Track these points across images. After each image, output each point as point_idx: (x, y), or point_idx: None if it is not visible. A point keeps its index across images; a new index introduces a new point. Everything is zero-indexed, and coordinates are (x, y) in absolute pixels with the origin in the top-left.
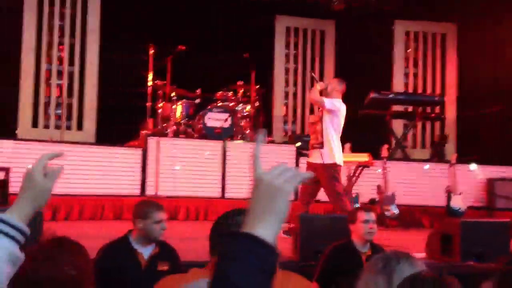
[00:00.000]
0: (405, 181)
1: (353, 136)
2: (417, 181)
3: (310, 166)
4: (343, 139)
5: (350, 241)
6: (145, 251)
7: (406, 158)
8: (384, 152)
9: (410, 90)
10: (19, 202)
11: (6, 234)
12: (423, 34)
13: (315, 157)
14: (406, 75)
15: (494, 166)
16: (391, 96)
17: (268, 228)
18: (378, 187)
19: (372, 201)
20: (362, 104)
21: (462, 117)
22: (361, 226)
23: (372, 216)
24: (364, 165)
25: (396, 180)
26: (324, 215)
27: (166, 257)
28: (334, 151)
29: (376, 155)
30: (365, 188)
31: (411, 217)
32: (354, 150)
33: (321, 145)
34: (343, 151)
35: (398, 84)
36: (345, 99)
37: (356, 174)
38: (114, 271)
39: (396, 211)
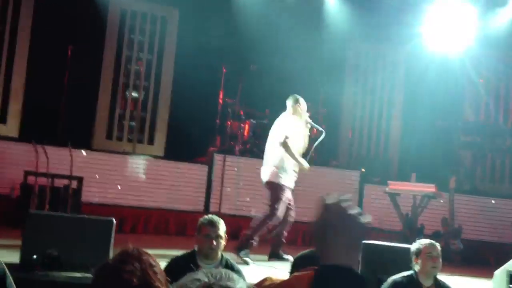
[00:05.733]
0: (472, 215)
1: (419, 166)
2: (484, 216)
3: None
4: (410, 169)
5: (414, 274)
6: (207, 268)
7: (474, 191)
8: (452, 184)
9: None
10: None
11: None
12: None
13: None
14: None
15: None
16: (460, 124)
17: None
18: (444, 219)
19: (436, 234)
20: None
21: None
22: (425, 260)
23: (437, 250)
24: (430, 196)
25: (462, 214)
26: (387, 245)
27: None
28: None
29: (443, 187)
30: (430, 220)
31: (476, 253)
32: (419, 180)
33: None
34: (409, 181)
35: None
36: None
37: (422, 205)
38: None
39: (461, 245)
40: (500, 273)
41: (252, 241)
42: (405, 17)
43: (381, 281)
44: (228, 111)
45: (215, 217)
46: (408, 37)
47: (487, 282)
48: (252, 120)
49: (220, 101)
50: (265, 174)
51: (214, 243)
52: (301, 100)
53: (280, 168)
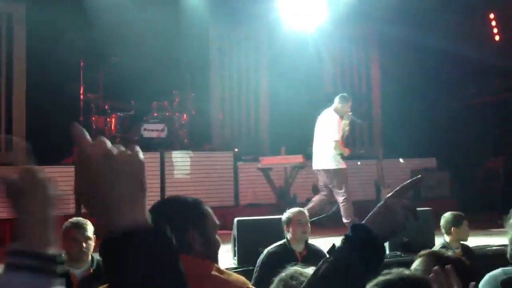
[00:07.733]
0: None
1: (289, 140)
2: (352, 178)
3: None
4: (280, 143)
5: (286, 242)
6: (78, 272)
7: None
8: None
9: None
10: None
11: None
12: None
13: None
14: None
15: (416, 159)
16: (322, 96)
17: None
18: (314, 186)
19: (309, 201)
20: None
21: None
22: (295, 227)
23: (305, 216)
24: (299, 167)
25: None
26: (259, 218)
27: (101, 278)
28: None
29: (310, 156)
30: (301, 189)
31: None
32: (289, 153)
33: None
34: (279, 154)
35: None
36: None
37: (292, 176)
38: None
39: (333, 208)
40: None
41: None
42: None
43: (260, 254)
44: (91, 107)
45: (81, 219)
46: (267, 15)
47: None
48: (118, 113)
49: (82, 96)
50: (325, 163)
51: (84, 245)
52: (346, 100)
53: (334, 156)
